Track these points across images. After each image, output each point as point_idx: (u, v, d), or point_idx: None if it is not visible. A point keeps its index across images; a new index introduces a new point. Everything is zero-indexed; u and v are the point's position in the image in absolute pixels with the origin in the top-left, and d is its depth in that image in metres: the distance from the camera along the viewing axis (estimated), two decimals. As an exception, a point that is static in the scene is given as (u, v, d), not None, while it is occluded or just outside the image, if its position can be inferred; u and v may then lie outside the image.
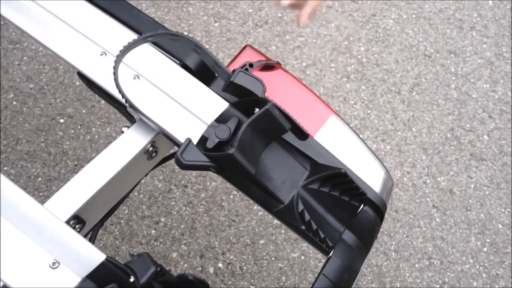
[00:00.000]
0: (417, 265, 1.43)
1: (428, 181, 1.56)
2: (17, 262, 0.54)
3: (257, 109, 0.67)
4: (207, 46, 1.69)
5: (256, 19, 1.78)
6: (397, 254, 1.44)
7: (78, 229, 0.63)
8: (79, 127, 1.50)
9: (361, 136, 1.57)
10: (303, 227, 0.66)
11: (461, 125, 1.67)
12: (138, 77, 0.70)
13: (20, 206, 0.56)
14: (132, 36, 0.72)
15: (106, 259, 0.53)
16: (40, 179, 1.41)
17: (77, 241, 0.55)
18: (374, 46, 1.79)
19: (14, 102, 1.51)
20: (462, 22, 1.89)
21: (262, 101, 0.67)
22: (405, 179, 1.55)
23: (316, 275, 0.65)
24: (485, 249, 1.47)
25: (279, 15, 1.80)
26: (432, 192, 1.54)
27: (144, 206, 1.40)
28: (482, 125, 1.68)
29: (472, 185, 1.57)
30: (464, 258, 1.45)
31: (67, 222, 0.60)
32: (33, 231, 0.55)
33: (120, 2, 0.75)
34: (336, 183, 0.68)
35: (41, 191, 1.39)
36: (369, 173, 0.73)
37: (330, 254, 0.66)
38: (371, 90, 1.70)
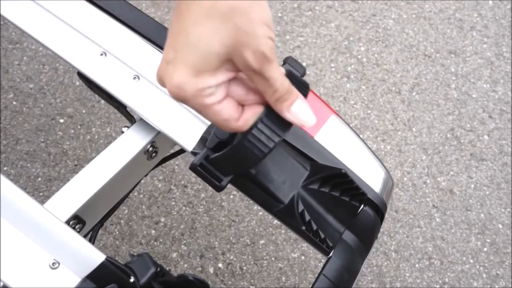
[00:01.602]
0: (417, 265, 1.43)
1: (428, 181, 1.56)
2: (17, 262, 0.54)
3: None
4: (207, 46, 1.69)
5: (256, 19, 1.78)
6: (397, 254, 1.44)
7: (78, 229, 0.63)
8: (79, 127, 1.50)
9: (361, 136, 1.57)
10: (303, 228, 0.65)
11: (461, 125, 1.67)
12: (138, 77, 0.69)
13: (20, 206, 0.56)
14: (132, 36, 0.72)
15: (106, 259, 0.53)
16: (40, 179, 1.41)
17: (77, 241, 0.55)
18: (374, 46, 1.79)
19: (14, 102, 1.51)
20: (462, 22, 1.89)
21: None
22: (405, 179, 1.55)
23: (316, 275, 0.64)
24: (485, 249, 1.47)
25: (279, 15, 1.80)
26: (432, 192, 1.54)
27: (144, 206, 1.40)
28: (482, 125, 1.68)
29: (472, 185, 1.57)
30: (464, 258, 1.45)
31: (67, 222, 0.60)
32: (33, 231, 0.55)
33: (120, 2, 0.75)
34: (336, 184, 0.68)
35: (41, 191, 1.39)
36: (369, 173, 0.73)
37: (330, 255, 0.66)
38: (371, 90, 1.70)
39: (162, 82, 0.45)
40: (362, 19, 1.84)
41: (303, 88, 0.47)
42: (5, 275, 0.53)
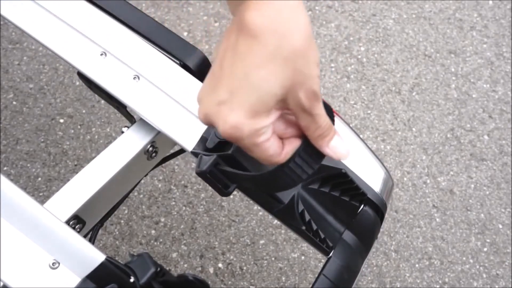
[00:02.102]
0: (417, 265, 1.43)
1: (428, 181, 1.56)
2: (17, 262, 0.54)
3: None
4: (207, 46, 1.69)
5: (256, 19, 1.78)
6: (397, 254, 1.44)
7: (78, 229, 0.63)
8: (79, 127, 1.50)
9: (361, 136, 1.57)
10: (303, 228, 0.66)
11: (461, 125, 1.67)
12: (138, 77, 0.69)
13: (20, 206, 0.56)
14: (132, 36, 0.72)
15: (106, 259, 0.53)
16: (40, 179, 1.41)
17: (77, 241, 0.55)
18: (374, 46, 1.79)
19: (14, 102, 1.51)
20: (462, 22, 1.89)
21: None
22: (405, 179, 1.55)
23: (316, 275, 0.65)
24: (485, 249, 1.47)
25: (279, 15, 1.80)
26: (432, 192, 1.54)
27: (144, 206, 1.40)
28: (482, 125, 1.68)
29: (472, 185, 1.57)
30: (464, 258, 1.45)
31: (67, 222, 0.60)
32: (33, 231, 0.55)
33: (120, 2, 0.75)
34: (336, 183, 0.68)
35: (41, 191, 1.39)
36: (369, 173, 0.73)
37: (330, 255, 0.66)
38: (371, 90, 1.70)
39: (210, 121, 0.45)
40: (362, 19, 1.84)
41: (329, 114, 0.48)
42: (5, 275, 0.53)
